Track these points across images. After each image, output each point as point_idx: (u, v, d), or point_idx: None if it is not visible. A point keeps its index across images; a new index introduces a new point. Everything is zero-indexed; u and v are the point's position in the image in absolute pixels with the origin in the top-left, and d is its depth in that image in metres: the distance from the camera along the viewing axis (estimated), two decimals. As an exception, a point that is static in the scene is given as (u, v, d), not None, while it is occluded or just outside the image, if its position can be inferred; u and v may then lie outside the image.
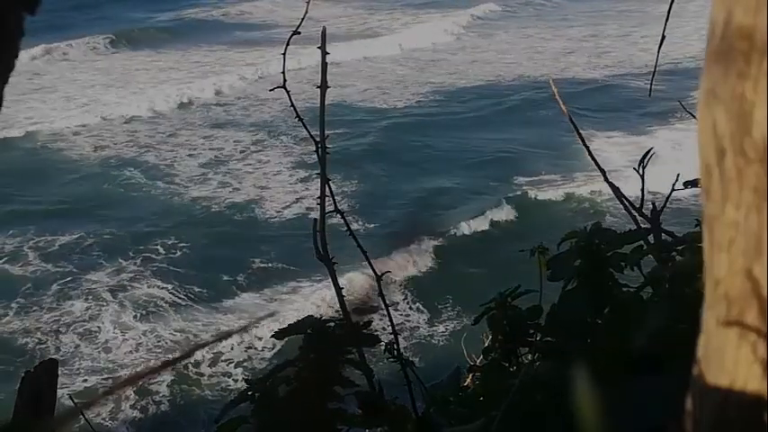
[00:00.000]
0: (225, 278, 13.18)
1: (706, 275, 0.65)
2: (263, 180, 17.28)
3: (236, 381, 10.59)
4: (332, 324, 1.90)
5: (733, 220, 0.61)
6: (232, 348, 11.36)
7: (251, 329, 11.42)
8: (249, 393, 1.82)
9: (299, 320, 1.92)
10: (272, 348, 11.22)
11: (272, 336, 1.96)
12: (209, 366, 11.08)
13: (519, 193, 15.99)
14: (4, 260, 14.14)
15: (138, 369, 11.15)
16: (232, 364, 11.13)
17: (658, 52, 2.32)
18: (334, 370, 1.82)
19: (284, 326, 1.93)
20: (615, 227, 2.21)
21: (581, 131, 2.38)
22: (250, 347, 11.43)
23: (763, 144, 0.59)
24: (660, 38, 2.33)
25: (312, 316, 1.94)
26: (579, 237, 2.05)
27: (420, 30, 31.16)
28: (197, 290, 12.95)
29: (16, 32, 0.61)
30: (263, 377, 1.85)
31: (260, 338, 11.43)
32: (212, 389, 10.71)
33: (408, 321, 12.02)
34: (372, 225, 14.69)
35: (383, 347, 2.10)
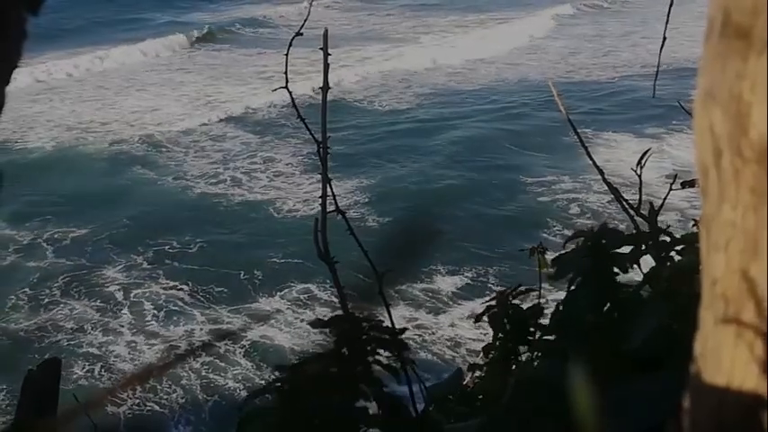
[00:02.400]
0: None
1: (703, 275, 0.65)
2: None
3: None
4: (367, 324, 1.89)
5: (730, 221, 0.62)
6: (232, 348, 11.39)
7: (250, 330, 11.43)
8: (276, 385, 1.81)
9: (335, 315, 1.91)
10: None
11: (309, 323, 1.95)
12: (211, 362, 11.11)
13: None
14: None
15: (140, 368, 11.17)
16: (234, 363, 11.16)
17: (660, 53, 2.32)
18: (366, 369, 1.81)
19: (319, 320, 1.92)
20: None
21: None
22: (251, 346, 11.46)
23: (760, 144, 0.59)
24: (662, 39, 2.34)
25: (352, 313, 1.92)
26: (586, 236, 2.06)
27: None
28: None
29: (18, 33, 0.62)
30: (290, 367, 1.83)
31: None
32: (217, 385, 10.72)
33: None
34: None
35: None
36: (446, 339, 11.37)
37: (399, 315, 11.72)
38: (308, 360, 1.83)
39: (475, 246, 13.99)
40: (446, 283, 12.90)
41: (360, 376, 1.80)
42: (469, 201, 16.04)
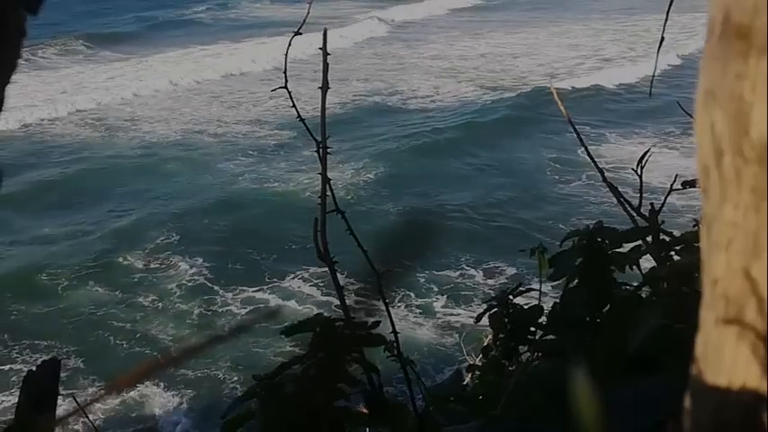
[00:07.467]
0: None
1: (704, 275, 0.65)
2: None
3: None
4: (340, 323, 1.90)
5: (731, 220, 0.61)
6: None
7: (254, 328, 11.44)
8: (257, 390, 1.82)
9: (308, 318, 1.92)
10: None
11: (281, 333, 1.96)
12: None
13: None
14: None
15: (139, 367, 11.19)
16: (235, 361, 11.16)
17: (658, 53, 2.32)
18: (342, 368, 1.82)
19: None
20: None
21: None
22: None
23: (761, 144, 0.59)
24: (659, 39, 2.33)
25: (322, 314, 1.94)
26: (581, 235, 2.05)
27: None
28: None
29: (17, 33, 0.62)
30: (270, 373, 1.85)
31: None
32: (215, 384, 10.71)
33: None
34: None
35: (383, 347, 2.10)
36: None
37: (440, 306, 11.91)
38: (287, 364, 1.84)
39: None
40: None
41: (338, 376, 1.81)
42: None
